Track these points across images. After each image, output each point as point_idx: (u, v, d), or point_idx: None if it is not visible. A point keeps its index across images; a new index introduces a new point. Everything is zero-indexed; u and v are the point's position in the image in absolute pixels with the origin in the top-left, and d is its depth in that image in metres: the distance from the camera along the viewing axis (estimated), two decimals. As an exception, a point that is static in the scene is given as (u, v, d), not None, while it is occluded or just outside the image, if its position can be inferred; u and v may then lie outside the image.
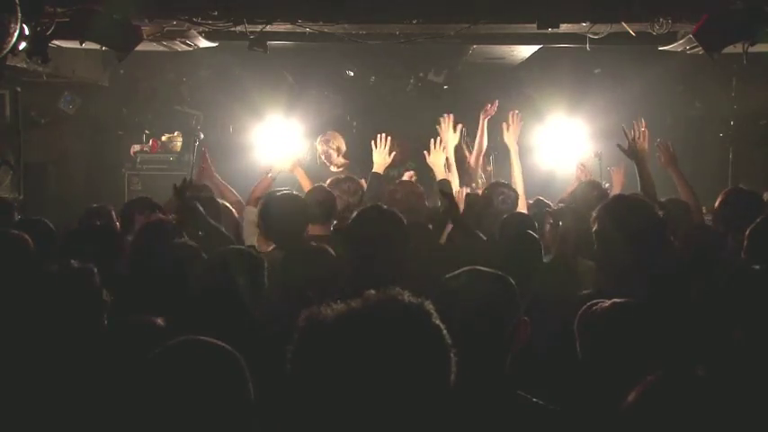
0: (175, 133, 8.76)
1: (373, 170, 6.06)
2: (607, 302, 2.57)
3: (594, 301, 2.78)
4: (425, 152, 6.20)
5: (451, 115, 6.36)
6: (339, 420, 1.44)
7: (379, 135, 6.19)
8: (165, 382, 1.91)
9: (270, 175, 6.21)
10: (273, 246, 4.66)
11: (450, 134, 6.28)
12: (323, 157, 7.47)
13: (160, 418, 1.88)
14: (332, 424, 1.45)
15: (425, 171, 6.67)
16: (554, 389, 2.36)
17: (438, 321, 1.52)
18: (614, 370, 2.37)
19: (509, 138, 6.34)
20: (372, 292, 1.53)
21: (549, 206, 5.67)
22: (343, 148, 7.59)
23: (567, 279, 4.02)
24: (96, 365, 2.53)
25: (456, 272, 2.36)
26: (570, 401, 2.27)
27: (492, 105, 6.80)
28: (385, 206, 3.74)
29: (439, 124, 6.37)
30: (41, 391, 2.48)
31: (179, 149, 8.76)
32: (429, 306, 1.53)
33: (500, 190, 5.64)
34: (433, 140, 6.14)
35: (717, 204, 4.76)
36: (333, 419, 1.45)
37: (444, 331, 1.51)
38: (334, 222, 5.56)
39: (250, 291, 3.30)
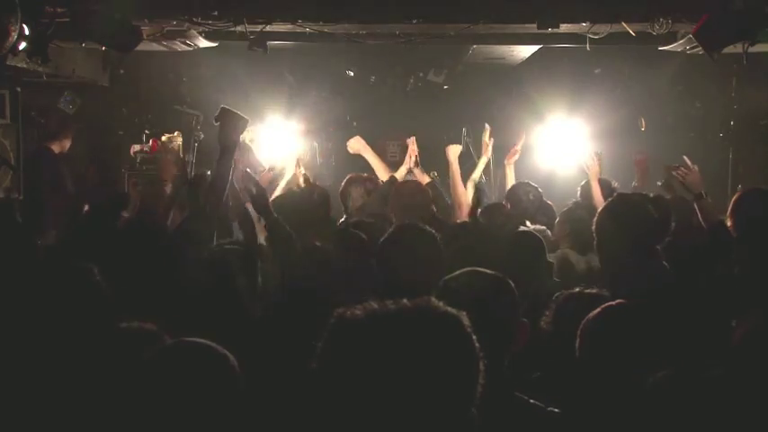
0: (175, 133, 8.75)
1: (394, 173, 6.10)
2: (605, 304, 2.57)
3: (591, 295, 2.78)
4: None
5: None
6: (362, 418, 1.44)
7: (411, 144, 6.20)
8: (158, 384, 1.93)
9: (270, 172, 6.21)
10: None
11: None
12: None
13: (153, 420, 1.90)
14: (355, 421, 1.44)
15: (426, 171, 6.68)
16: (553, 390, 2.36)
17: (472, 332, 1.52)
18: (612, 371, 2.37)
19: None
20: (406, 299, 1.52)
21: (551, 206, 5.72)
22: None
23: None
24: (93, 365, 2.53)
25: (455, 273, 2.36)
26: (569, 403, 2.27)
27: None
28: (421, 225, 3.55)
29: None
30: (36, 389, 2.48)
31: (179, 149, 8.75)
32: (464, 317, 1.53)
33: (525, 189, 5.69)
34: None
35: (733, 202, 4.74)
36: (356, 416, 1.44)
37: (477, 343, 1.51)
38: (340, 221, 5.58)
39: (241, 288, 3.29)
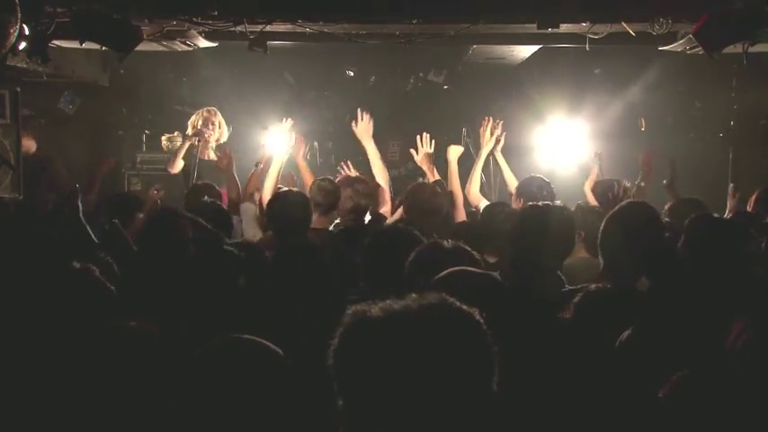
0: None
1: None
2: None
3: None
4: (412, 150, 6.17)
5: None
6: (380, 416, 1.43)
7: (359, 109, 6.18)
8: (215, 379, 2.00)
9: (260, 167, 6.17)
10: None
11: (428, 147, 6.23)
12: (194, 132, 7.29)
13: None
14: (372, 419, 1.44)
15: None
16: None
17: (487, 328, 1.50)
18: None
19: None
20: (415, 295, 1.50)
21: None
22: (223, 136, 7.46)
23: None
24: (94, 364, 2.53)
25: (443, 273, 2.35)
26: (566, 407, 2.27)
27: None
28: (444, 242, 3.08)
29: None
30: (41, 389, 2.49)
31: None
32: (477, 312, 1.51)
33: (539, 184, 5.63)
34: (419, 138, 6.11)
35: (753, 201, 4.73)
36: (373, 414, 1.43)
37: (492, 338, 1.50)
38: (336, 221, 5.55)
39: (242, 287, 3.29)
